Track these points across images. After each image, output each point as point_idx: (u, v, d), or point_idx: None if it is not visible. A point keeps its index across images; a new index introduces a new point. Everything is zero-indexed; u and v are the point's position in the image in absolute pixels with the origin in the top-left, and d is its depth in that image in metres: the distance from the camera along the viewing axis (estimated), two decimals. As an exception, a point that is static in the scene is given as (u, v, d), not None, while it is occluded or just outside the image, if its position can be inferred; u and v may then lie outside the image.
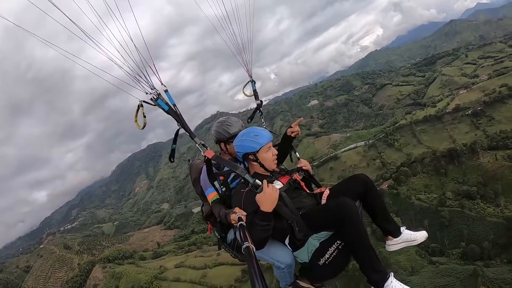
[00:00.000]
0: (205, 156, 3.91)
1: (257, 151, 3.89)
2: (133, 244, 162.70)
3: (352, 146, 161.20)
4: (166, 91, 3.81)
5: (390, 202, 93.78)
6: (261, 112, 5.24)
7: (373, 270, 3.33)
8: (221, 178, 4.10)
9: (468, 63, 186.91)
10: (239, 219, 3.24)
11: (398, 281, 3.44)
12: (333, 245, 3.61)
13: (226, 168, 3.96)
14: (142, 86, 3.66)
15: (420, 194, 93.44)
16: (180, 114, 3.85)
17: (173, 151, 4.48)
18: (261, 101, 5.24)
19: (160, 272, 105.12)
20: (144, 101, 3.67)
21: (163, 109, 3.74)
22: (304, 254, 3.75)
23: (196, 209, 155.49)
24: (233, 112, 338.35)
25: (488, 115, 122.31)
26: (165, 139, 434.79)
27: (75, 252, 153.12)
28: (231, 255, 4.38)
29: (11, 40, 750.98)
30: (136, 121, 3.69)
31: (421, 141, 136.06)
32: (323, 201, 3.90)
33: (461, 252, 73.44)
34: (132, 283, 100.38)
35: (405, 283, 3.57)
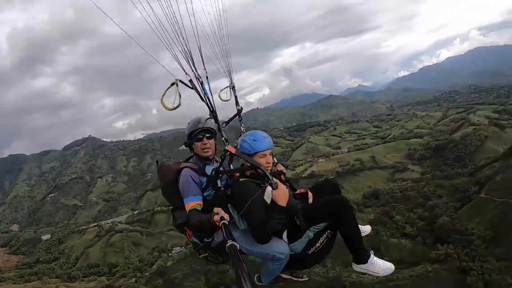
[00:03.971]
0: (227, 151, 4.04)
1: (253, 154, 4.07)
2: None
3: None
4: (206, 77, 3.80)
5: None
6: (241, 118, 5.06)
7: (362, 249, 3.99)
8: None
9: (334, 135, 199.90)
10: (222, 218, 3.34)
11: (377, 257, 4.16)
12: (324, 235, 4.07)
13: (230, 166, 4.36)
14: (183, 69, 3.53)
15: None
16: (214, 104, 3.84)
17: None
18: (241, 107, 5.04)
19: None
20: (180, 81, 3.50)
21: (199, 93, 3.67)
22: (299, 245, 4.09)
23: (46, 236, 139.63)
24: (104, 139, 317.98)
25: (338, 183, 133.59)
26: (28, 152, 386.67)
27: None
28: (211, 260, 4.27)
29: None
30: (162, 99, 3.40)
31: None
32: (310, 200, 4.38)
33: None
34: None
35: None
